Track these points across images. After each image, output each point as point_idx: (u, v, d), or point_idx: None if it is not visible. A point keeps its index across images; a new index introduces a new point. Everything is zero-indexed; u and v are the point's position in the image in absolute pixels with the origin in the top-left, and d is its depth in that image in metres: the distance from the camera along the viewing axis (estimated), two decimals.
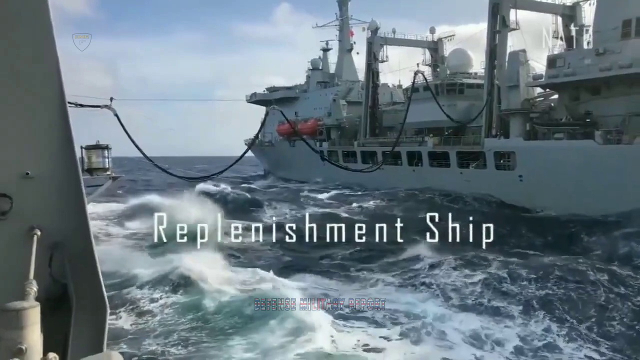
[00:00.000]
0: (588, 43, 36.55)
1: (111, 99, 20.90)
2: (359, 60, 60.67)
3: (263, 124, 34.50)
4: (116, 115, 19.78)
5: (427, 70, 53.87)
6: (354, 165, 49.01)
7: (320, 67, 68.52)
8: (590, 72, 30.45)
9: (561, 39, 40.52)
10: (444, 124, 42.37)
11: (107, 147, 15.34)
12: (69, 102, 2.99)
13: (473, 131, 40.09)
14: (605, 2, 31.82)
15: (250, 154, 79.70)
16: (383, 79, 57.29)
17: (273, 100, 62.87)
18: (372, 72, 52.35)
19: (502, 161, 35.20)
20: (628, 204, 27.00)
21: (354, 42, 66.42)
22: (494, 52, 37.76)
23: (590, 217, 27.48)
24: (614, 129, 29.25)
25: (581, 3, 40.46)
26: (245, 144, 74.94)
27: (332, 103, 57.70)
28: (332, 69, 68.25)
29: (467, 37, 72.71)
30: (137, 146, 23.56)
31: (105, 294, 3.21)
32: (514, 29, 38.15)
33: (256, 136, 34.16)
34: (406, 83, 51.03)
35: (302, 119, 61.87)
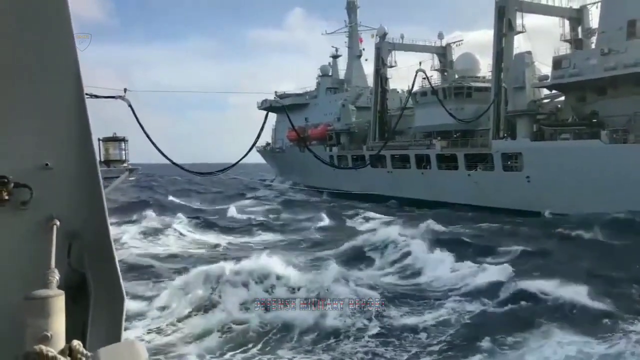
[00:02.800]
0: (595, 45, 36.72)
1: (125, 89, 21.63)
2: (368, 66, 61.32)
3: (262, 129, 34.94)
4: (130, 106, 20.51)
5: (436, 75, 54.39)
6: (364, 169, 49.38)
7: (330, 74, 69.18)
8: (596, 72, 30.66)
9: (568, 41, 40.84)
10: (452, 127, 42.63)
11: (124, 140, 15.94)
12: (85, 94, 3.06)
13: (481, 134, 40.32)
14: (610, 3, 32.09)
15: (262, 160, 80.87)
16: (392, 84, 57.95)
17: (279, 102, 63.69)
18: (380, 77, 52.81)
19: (509, 162, 35.37)
20: (634, 203, 27.11)
21: (363, 49, 67.02)
22: (500, 55, 38.06)
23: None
24: (620, 128, 29.38)
25: (588, 6, 40.73)
26: (257, 151, 75.94)
27: (342, 108, 58.23)
28: (342, 75, 68.88)
29: (475, 42, 73.11)
30: (150, 139, 24.30)
31: (123, 284, 3.25)
32: (520, 32, 38.50)
33: (255, 141, 34.30)
34: (416, 88, 51.28)
35: (312, 124, 62.48)
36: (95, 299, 3.17)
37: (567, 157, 30.93)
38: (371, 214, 36.97)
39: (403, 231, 26.36)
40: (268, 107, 69.22)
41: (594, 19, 38.76)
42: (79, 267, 3.17)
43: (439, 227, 28.12)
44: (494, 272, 18.11)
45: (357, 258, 22.95)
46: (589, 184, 29.56)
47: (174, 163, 26.34)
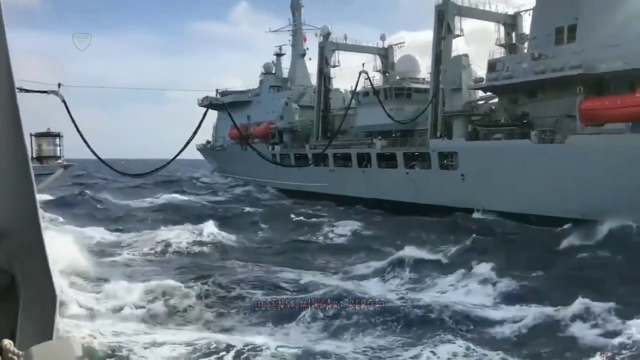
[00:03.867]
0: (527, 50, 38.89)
1: (59, 84, 20.74)
2: (312, 65, 62.02)
3: (199, 126, 34.81)
4: (64, 101, 19.61)
5: (378, 76, 55.81)
6: (306, 168, 49.98)
7: (273, 72, 69.40)
8: (527, 76, 32.54)
9: (503, 46, 43.05)
10: (393, 126, 43.95)
11: (58, 135, 15.24)
12: (17, 88, 2.94)
13: (420, 133, 41.80)
14: (540, 11, 34.10)
15: (201, 157, 79.76)
16: (335, 84, 58.93)
17: (220, 100, 63.27)
18: (323, 76, 53.63)
19: (445, 161, 36.86)
20: (561, 201, 29.06)
21: (307, 48, 67.69)
22: (439, 57, 39.61)
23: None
24: (548, 129, 31.32)
25: (522, 13, 43.05)
26: (197, 149, 74.98)
27: (285, 107, 58.58)
28: (286, 73, 69.25)
29: (420, 42, 75.59)
30: (82, 136, 23.61)
31: (55, 283, 3.16)
32: (458, 36, 40.23)
33: (191, 138, 34.21)
34: (358, 89, 52.35)
35: (255, 122, 62.49)
36: (26, 298, 3.08)
37: (499, 156, 32.66)
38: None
39: None
40: (209, 104, 68.66)
41: (526, 25, 41.00)
42: (7, 267, 3.11)
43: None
44: None
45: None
46: (519, 183, 31.32)
47: (103, 162, 25.69)
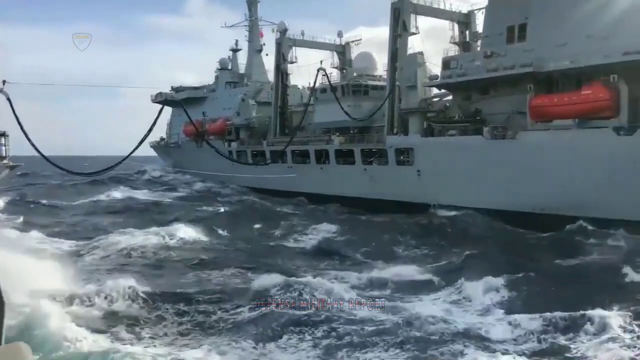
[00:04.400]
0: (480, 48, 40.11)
1: (4, 81, 19.89)
2: (269, 61, 61.97)
3: (154, 123, 34.41)
4: (9, 99, 18.86)
5: (335, 73, 56.35)
6: (263, 165, 50.02)
7: (229, 67, 68.99)
8: (479, 73, 33.60)
9: (457, 44, 44.23)
10: (350, 123, 44.54)
11: (3, 134, 14.70)
12: None
13: (377, 130, 42.51)
14: (492, 10, 35.23)
15: (154, 154, 78.38)
16: (293, 80, 59.12)
17: (175, 96, 62.40)
18: (281, 72, 53.73)
19: (402, 157, 37.66)
20: (512, 196, 30.23)
21: (264, 44, 67.59)
22: (395, 54, 40.35)
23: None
24: (500, 125, 32.48)
25: (475, 11, 44.35)
26: (151, 146, 73.65)
27: (241, 103, 58.37)
28: (242, 69, 68.94)
29: (379, 39, 76.73)
30: (26, 135, 22.89)
31: (2, 289, 3.09)
32: (414, 33, 41.06)
33: (146, 135, 33.42)
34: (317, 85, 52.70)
35: (210, 119, 61.98)
36: None
37: (453, 152, 33.66)
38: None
39: None
40: (163, 100, 67.56)
41: (480, 23, 42.24)
42: None
43: None
44: None
45: None
46: (472, 178, 32.37)
47: (48, 160, 24.87)
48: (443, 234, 29.09)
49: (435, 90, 39.93)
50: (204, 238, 28.28)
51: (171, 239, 27.15)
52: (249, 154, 54.89)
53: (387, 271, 20.80)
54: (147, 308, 16.10)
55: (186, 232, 28.54)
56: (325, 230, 30.98)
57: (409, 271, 20.73)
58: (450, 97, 38.57)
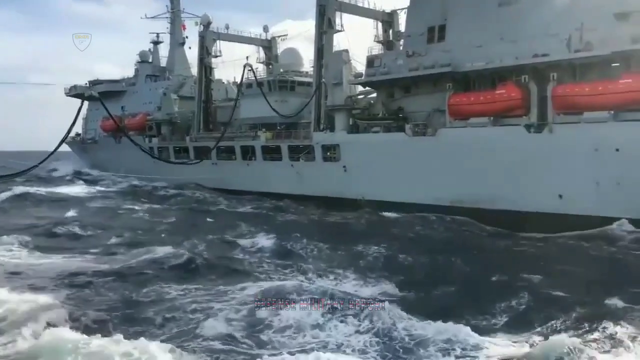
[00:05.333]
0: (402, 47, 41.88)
1: None
2: (192, 54, 61.18)
3: (76, 118, 33.52)
4: None
5: (261, 68, 56.65)
6: (186, 160, 49.51)
7: (150, 60, 67.32)
8: (402, 72, 35.23)
9: (381, 42, 45.92)
10: (277, 119, 45.10)
11: None
12: None
13: (304, 126, 43.34)
14: (413, 10, 36.96)
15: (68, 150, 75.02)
16: (218, 74, 58.82)
17: (94, 93, 60.00)
18: (205, 66, 53.29)
19: (328, 153, 38.71)
20: (432, 191, 32.02)
21: (187, 36, 66.59)
22: (321, 51, 41.33)
23: None
24: (421, 122, 34.25)
25: (398, 11, 46.22)
26: (66, 142, 70.45)
27: (163, 97, 57.29)
28: (164, 62, 67.50)
29: (308, 34, 77.52)
30: None
31: None
32: (339, 31, 42.22)
33: (68, 131, 32.67)
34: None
35: (130, 113, 60.35)
36: None
37: (377, 149, 35.11)
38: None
39: None
40: (81, 94, 64.97)
41: (402, 23, 44.07)
42: None
43: None
44: None
45: None
46: (396, 174, 33.93)
47: None
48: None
49: (360, 88, 41.31)
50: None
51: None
52: (172, 150, 54.05)
53: None
54: None
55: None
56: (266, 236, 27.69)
57: None
58: (374, 95, 40.06)
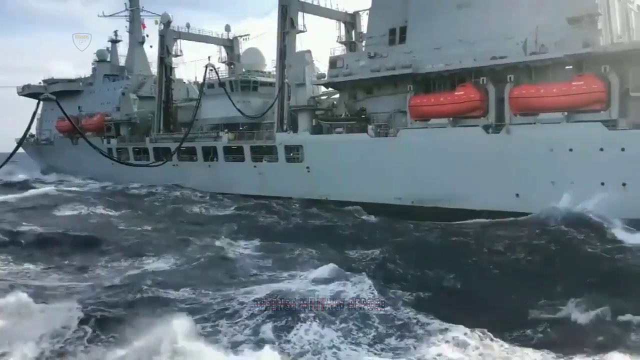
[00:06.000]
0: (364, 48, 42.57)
1: None
2: (153, 53, 60.45)
3: (33, 118, 32.92)
4: None
5: (223, 68, 56.57)
6: (145, 162, 48.97)
7: (108, 59, 66.21)
8: (364, 73, 35.84)
9: (344, 43, 46.57)
10: (240, 119, 45.15)
11: None
12: None
13: (267, 126, 43.54)
14: (375, 12, 37.61)
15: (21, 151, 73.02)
16: (178, 74, 58.35)
17: (48, 93, 58.67)
18: (165, 66, 52.84)
19: (292, 154, 39.02)
20: (394, 190, 32.71)
21: (147, 35, 65.61)
22: (284, 51, 41.59)
23: None
24: (383, 123, 34.95)
25: (360, 12, 46.94)
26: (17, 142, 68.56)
27: (122, 97, 56.46)
28: (123, 61, 66.50)
29: (264, 35, 77.87)
30: None
31: None
32: (301, 31, 42.62)
33: (26, 132, 31.92)
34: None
35: (87, 114, 59.29)
36: None
37: (340, 150, 35.62)
38: None
39: None
40: (32, 93, 63.42)
41: (365, 24, 44.79)
42: None
43: None
44: None
45: None
46: (358, 174, 34.50)
47: None
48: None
49: (323, 89, 41.79)
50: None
51: None
52: (131, 151, 53.37)
53: None
54: None
55: None
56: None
57: None
58: (337, 96, 40.59)
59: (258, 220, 33.07)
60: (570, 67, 28.13)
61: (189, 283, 18.73)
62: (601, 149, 25.76)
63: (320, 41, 60.15)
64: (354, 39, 46.98)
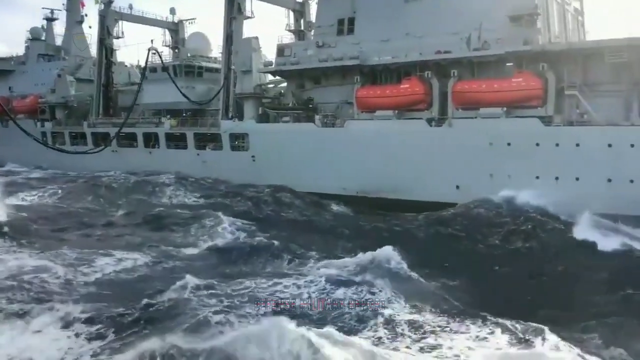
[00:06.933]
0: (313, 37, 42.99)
1: None
2: (92, 34, 58.60)
3: None
4: None
5: (167, 52, 55.64)
6: (83, 148, 47.74)
7: (43, 38, 63.75)
8: (312, 63, 36.29)
9: (293, 32, 46.82)
10: (183, 105, 44.71)
11: None
12: None
13: (211, 114, 43.34)
14: (324, 2, 38.01)
15: None
16: (120, 57, 56.99)
17: None
18: (105, 48, 51.51)
19: (237, 142, 39.08)
20: (340, 180, 33.42)
21: (86, 14, 63.47)
22: (230, 37, 41.49)
23: None
24: (330, 114, 35.58)
25: (309, 1, 47.32)
26: None
27: (57, 79, 54.51)
28: (59, 41, 64.16)
29: (210, 21, 76.46)
30: None
31: None
32: (249, 17, 42.56)
33: None
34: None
35: (19, 95, 57.05)
36: None
37: (287, 139, 36.00)
38: None
39: None
40: None
41: (314, 13, 45.16)
42: None
43: None
44: None
45: None
46: (305, 164, 35.00)
47: None
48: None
49: (270, 77, 41.96)
50: None
51: None
52: (67, 136, 51.78)
53: None
54: None
55: None
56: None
57: None
58: (285, 85, 40.88)
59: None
60: (511, 64, 29.56)
61: None
62: (537, 144, 27.30)
63: (268, 29, 60.20)
64: (302, 28, 47.25)
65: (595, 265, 20.32)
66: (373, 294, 16.51)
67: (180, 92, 42.90)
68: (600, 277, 19.10)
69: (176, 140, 42.91)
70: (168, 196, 35.64)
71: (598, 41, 27.98)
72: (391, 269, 18.91)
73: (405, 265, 19.18)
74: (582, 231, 23.57)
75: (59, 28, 64.35)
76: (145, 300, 15.65)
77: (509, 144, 28.12)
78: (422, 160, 30.43)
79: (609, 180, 25.65)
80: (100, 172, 43.56)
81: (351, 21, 35.71)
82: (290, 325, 12.45)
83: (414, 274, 18.84)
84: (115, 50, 53.80)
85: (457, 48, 30.69)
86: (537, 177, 27.25)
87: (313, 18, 45.10)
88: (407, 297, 16.26)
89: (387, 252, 19.95)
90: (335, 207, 32.55)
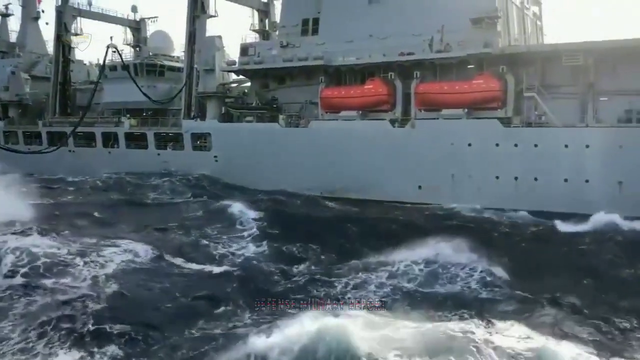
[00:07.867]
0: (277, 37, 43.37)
1: None
2: (49, 31, 57.62)
3: None
4: None
5: (128, 50, 55.14)
6: (38, 148, 46.88)
7: None
8: (276, 62, 36.66)
9: (257, 31, 47.11)
10: (144, 105, 44.42)
11: None
12: None
13: (173, 113, 43.20)
14: (289, 2, 38.51)
15: None
16: (79, 55, 56.17)
17: None
18: (63, 45, 50.72)
19: (199, 142, 39.08)
20: (304, 180, 33.78)
21: (42, 10, 62.40)
22: (193, 36, 41.50)
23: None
24: (295, 114, 35.99)
25: (274, 0, 47.76)
26: None
27: (11, 76, 53.40)
28: (13, 37, 62.78)
29: (172, 19, 76.30)
30: None
31: None
32: (212, 16, 42.66)
33: None
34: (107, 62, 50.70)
35: None
36: None
37: (250, 139, 36.20)
38: None
39: None
40: None
41: (278, 13, 45.54)
42: None
43: None
44: None
45: None
46: (269, 164, 35.26)
47: None
48: None
49: (234, 76, 42.14)
50: None
51: None
52: (21, 135, 50.75)
53: None
54: None
55: None
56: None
57: None
58: (248, 84, 41.10)
59: None
60: (472, 66, 30.54)
61: None
62: (497, 145, 28.29)
63: (232, 29, 60.27)
64: (267, 28, 47.60)
65: None
66: None
67: (141, 91, 42.64)
68: None
69: (136, 140, 42.58)
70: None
71: (555, 45, 29.24)
72: None
73: None
74: None
75: (14, 24, 63.04)
76: None
77: (469, 145, 29.03)
78: (385, 160, 31.08)
79: (566, 180, 26.77)
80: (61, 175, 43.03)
81: (316, 21, 36.23)
82: None
83: None
84: (74, 48, 53.06)
85: (420, 50, 31.53)
86: (497, 177, 28.22)
87: (278, 18, 45.63)
88: None
89: None
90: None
